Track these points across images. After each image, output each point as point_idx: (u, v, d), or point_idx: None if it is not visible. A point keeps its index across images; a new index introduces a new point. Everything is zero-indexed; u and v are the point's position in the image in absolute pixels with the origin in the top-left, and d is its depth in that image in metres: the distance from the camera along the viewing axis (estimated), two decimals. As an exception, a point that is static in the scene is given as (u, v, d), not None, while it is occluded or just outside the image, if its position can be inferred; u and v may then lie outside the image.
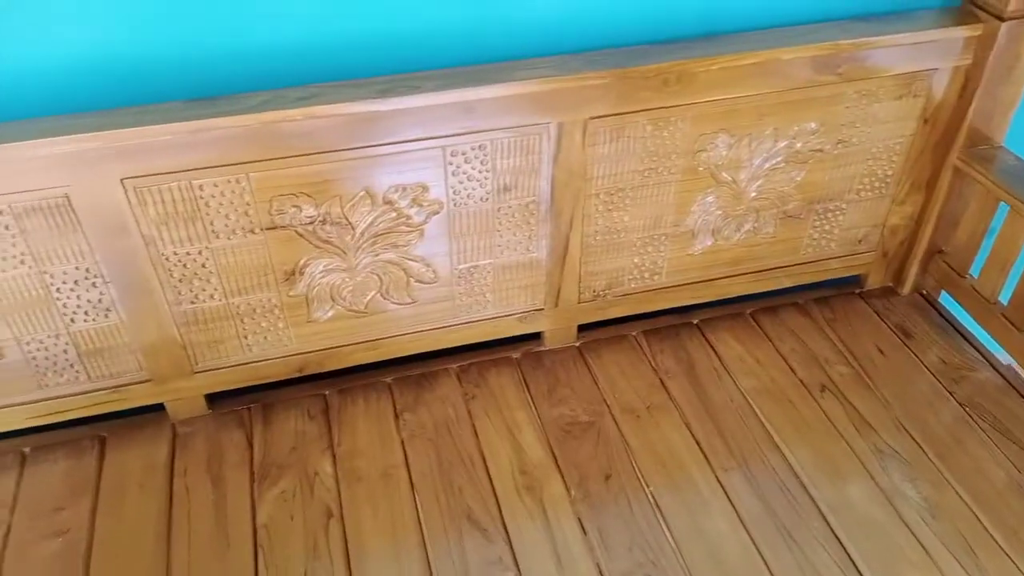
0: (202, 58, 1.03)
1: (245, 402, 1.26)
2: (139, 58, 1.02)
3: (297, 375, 1.25)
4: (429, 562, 1.04)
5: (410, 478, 1.15)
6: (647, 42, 1.16)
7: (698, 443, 1.20)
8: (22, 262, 1.02)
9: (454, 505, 1.11)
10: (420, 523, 1.09)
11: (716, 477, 1.15)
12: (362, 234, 1.12)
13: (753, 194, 1.27)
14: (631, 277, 1.30)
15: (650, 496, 1.13)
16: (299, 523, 1.09)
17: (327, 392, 1.28)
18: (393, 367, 1.31)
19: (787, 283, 1.40)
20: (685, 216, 1.25)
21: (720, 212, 1.27)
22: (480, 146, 1.09)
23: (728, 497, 1.12)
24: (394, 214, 1.12)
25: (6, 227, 0.99)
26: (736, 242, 1.31)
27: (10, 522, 1.11)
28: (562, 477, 1.15)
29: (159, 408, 1.23)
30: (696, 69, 1.11)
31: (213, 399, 1.25)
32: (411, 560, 1.05)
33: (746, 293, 1.39)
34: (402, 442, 1.20)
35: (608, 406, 1.25)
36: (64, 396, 1.16)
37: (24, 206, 0.98)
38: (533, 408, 1.25)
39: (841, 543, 1.06)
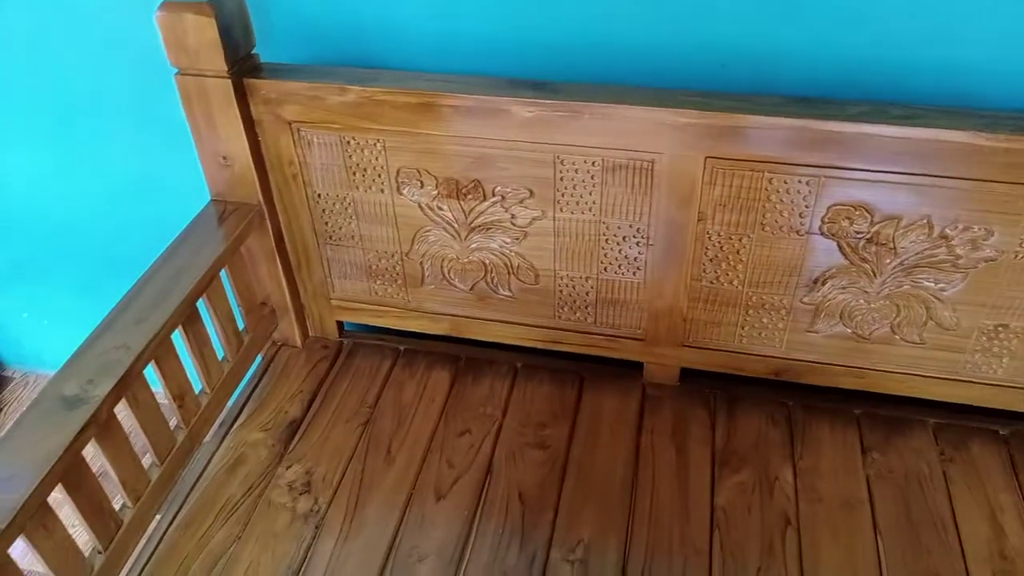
0: (807, 58, 1.07)
1: (712, 386, 1.31)
2: (747, 48, 1.09)
3: (771, 378, 1.26)
4: (889, 615, 1.00)
5: (873, 519, 1.11)
6: None
7: None
8: (590, 209, 1.16)
9: (920, 565, 1.05)
10: (881, 570, 1.05)
11: None
12: (902, 262, 1.09)
13: None
14: None
15: None
16: (756, 518, 1.12)
17: (790, 403, 1.28)
18: (862, 400, 1.27)
19: None
20: None
21: None
22: (1075, 203, 0.99)
23: None
24: (944, 250, 1.07)
25: (592, 176, 1.12)
26: None
27: (502, 422, 1.28)
28: (1052, 580, 1.03)
29: (635, 365, 1.33)
30: None
31: (684, 374, 1.31)
32: (870, 604, 1.01)
33: None
34: (867, 479, 1.16)
35: (1119, 524, 1.09)
36: (568, 330, 1.31)
37: (614, 162, 1.10)
38: (1020, 494, 1.13)
39: None
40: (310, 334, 1.45)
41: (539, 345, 1.34)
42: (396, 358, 1.41)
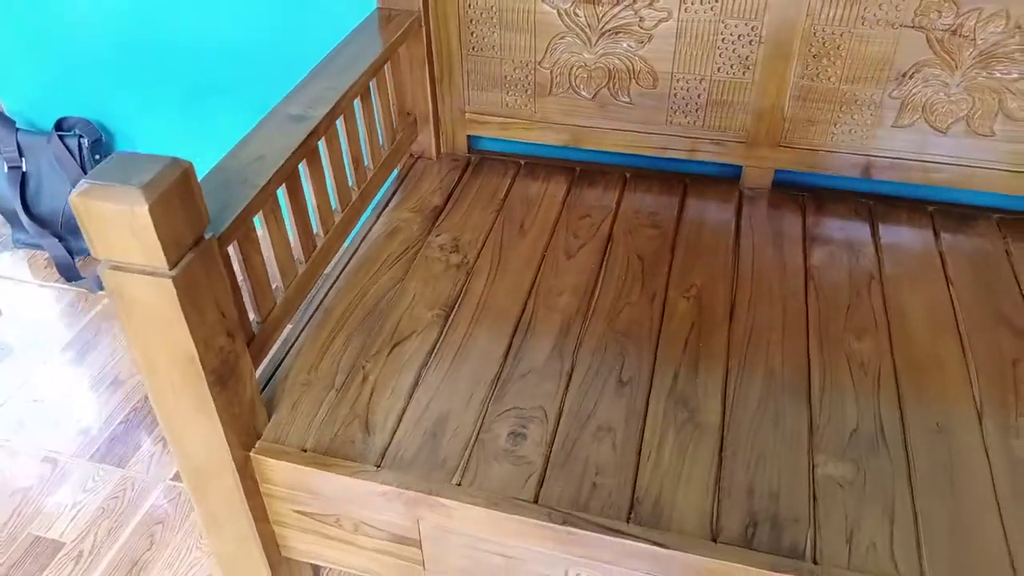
0: None
1: (801, 191, 1.51)
2: None
3: (858, 176, 1.45)
4: (964, 346, 1.18)
5: (946, 275, 1.30)
6: None
7: None
8: (711, 8, 1.35)
9: (990, 306, 1.24)
10: (955, 307, 1.24)
11: None
12: (980, 54, 1.28)
13: None
14: None
15: None
16: (844, 273, 1.31)
17: (872, 203, 1.47)
18: (935, 202, 1.46)
19: None
20: None
21: None
22: None
23: None
24: (1017, 40, 1.25)
25: (715, -22, 1.32)
26: None
27: (617, 211, 1.48)
28: (1102, 318, 1.21)
29: (733, 174, 1.53)
30: None
31: (776, 184, 1.51)
32: (949, 339, 1.20)
33: None
34: (940, 252, 1.35)
35: None
36: (677, 136, 1.51)
37: (737, -37, 1.30)
38: (1076, 265, 1.32)
39: None
40: (442, 150, 1.66)
41: (650, 152, 1.54)
42: (519, 169, 1.62)
